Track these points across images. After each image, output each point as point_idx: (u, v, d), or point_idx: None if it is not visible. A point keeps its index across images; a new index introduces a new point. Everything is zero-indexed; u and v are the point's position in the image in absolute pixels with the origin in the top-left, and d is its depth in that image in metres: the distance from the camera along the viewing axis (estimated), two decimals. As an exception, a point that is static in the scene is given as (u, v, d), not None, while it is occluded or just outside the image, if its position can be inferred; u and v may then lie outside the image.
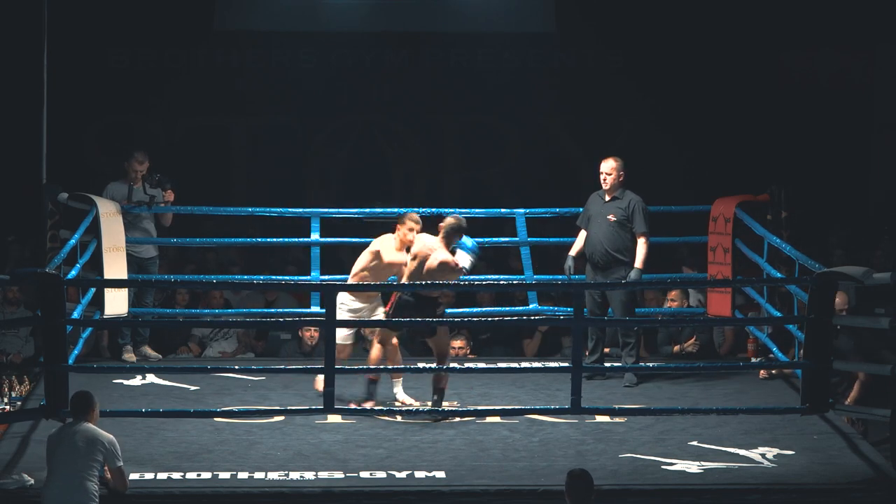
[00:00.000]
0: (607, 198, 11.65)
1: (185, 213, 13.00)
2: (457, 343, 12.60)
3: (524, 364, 12.45)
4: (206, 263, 14.71)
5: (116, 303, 12.03)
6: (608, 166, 11.66)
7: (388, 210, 13.30)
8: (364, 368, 10.61)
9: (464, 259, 10.40)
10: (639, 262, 11.47)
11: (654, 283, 12.20)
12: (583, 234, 11.76)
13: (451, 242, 10.48)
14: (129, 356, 12.25)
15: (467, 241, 10.50)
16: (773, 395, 11.17)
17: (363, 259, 10.89)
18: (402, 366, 10.88)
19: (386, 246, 10.88)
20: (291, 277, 13.57)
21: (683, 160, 16.71)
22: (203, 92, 16.99)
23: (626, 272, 11.44)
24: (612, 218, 11.54)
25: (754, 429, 10.13)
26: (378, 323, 10.80)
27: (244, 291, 13.83)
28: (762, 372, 11.63)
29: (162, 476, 9.07)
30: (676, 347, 12.79)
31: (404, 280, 10.50)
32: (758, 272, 12.14)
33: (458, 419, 10.30)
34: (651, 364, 12.00)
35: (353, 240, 12.75)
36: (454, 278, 10.33)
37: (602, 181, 11.66)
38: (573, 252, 11.79)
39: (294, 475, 9.12)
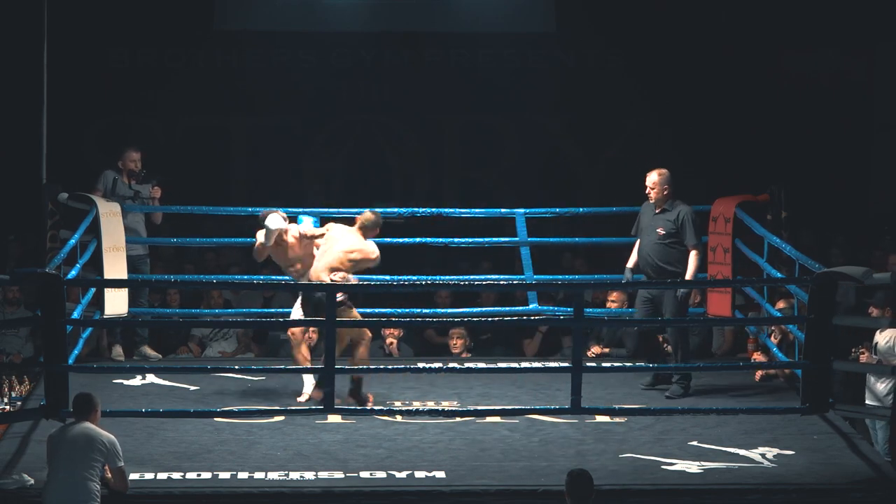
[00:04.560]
0: (656, 210, 11.35)
1: (184, 212, 13.01)
2: (455, 333, 12.59)
3: (524, 364, 12.44)
4: (205, 263, 14.70)
5: (116, 303, 12.04)
6: (650, 181, 11.35)
7: (389, 210, 13.31)
8: (364, 368, 10.60)
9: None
10: (689, 275, 11.17)
11: (654, 282, 12.19)
12: (637, 242, 11.47)
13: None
14: (118, 350, 12.27)
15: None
16: (773, 395, 11.17)
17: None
18: (403, 366, 10.88)
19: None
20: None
21: (684, 160, 16.68)
22: (203, 92, 16.99)
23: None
24: (661, 231, 11.23)
25: (754, 429, 10.14)
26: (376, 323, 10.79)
27: (243, 291, 13.83)
28: (758, 374, 11.62)
29: (162, 476, 9.07)
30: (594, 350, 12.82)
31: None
32: (758, 272, 12.14)
33: (458, 419, 10.30)
34: (651, 364, 11.98)
35: (353, 240, 12.75)
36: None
37: (648, 195, 11.38)
38: (630, 264, 11.44)
39: (294, 475, 9.12)
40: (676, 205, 11.34)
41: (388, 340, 12.75)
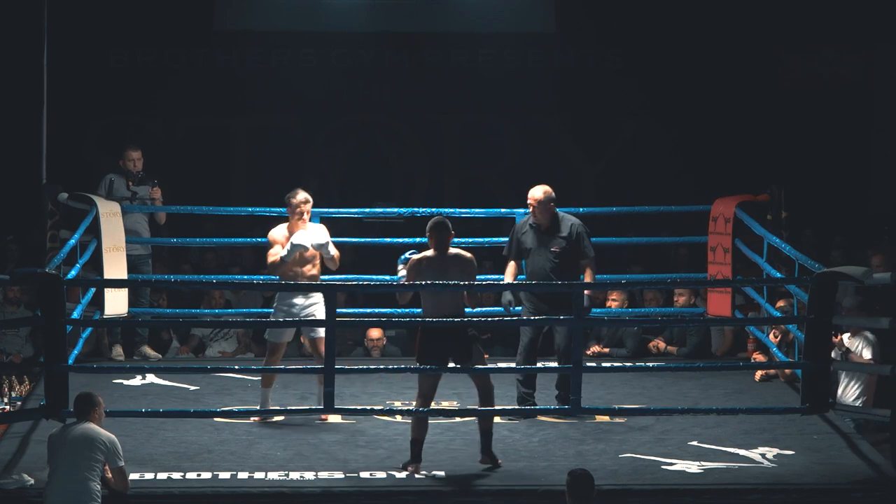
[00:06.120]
0: (543, 228, 10.80)
1: (184, 212, 13.01)
2: None
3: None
4: (205, 263, 14.70)
5: (116, 303, 12.04)
6: (534, 198, 10.79)
7: (388, 210, 13.32)
8: (364, 369, 10.60)
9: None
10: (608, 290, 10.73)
11: (655, 282, 12.20)
12: (512, 265, 10.92)
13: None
14: (118, 350, 12.28)
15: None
16: (773, 395, 11.17)
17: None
18: (402, 366, 10.86)
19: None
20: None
21: (683, 160, 16.71)
22: (203, 92, 16.99)
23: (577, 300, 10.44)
24: (555, 249, 10.73)
25: (754, 429, 10.14)
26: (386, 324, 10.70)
27: (243, 291, 13.83)
28: (758, 374, 11.63)
29: (162, 476, 9.08)
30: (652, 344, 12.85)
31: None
32: (758, 272, 12.14)
33: (458, 419, 10.30)
34: (651, 364, 12.00)
35: (354, 240, 12.77)
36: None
37: (531, 213, 10.85)
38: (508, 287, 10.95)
39: (294, 475, 9.12)
40: (564, 219, 10.86)
41: (373, 345, 12.77)
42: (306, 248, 10.44)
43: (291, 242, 10.42)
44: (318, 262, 10.60)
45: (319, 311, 10.46)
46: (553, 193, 10.84)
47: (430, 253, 9.73)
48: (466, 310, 9.82)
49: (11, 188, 15.50)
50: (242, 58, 17.13)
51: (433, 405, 10.63)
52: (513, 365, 12.15)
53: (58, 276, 9.55)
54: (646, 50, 16.87)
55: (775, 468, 9.35)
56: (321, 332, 10.32)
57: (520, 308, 10.97)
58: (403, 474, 9.18)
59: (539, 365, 11.12)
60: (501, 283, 12.59)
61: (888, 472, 9.28)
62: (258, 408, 10.41)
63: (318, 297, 10.51)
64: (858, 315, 10.94)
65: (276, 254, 10.48)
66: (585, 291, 10.41)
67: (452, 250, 9.74)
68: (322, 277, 12.14)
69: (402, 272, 9.88)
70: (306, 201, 10.58)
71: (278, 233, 10.60)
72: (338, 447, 9.78)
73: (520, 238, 10.88)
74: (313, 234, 10.54)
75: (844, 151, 16.94)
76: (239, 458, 9.49)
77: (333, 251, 10.58)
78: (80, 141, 16.39)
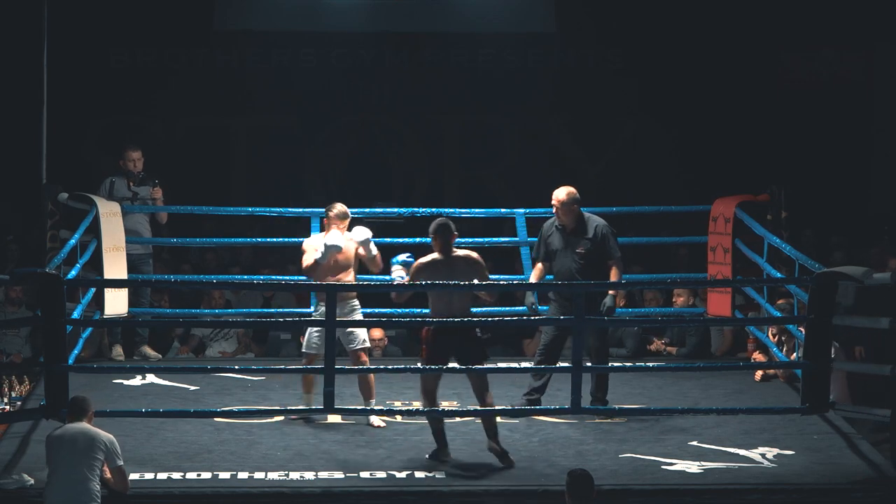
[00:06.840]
0: (568, 230, 10.73)
1: (184, 212, 13.00)
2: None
3: (524, 364, 12.43)
4: (205, 263, 14.70)
5: (117, 303, 12.04)
6: (556, 199, 10.73)
7: (388, 210, 13.31)
8: (364, 368, 10.59)
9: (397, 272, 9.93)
10: (612, 289, 10.64)
11: (655, 282, 12.20)
12: (539, 267, 10.92)
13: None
14: (118, 350, 12.28)
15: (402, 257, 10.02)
16: (773, 395, 11.17)
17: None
18: (402, 366, 10.86)
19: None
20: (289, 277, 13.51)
21: (683, 160, 16.71)
22: (203, 92, 16.99)
23: (601, 300, 10.61)
24: (581, 250, 10.70)
25: (754, 429, 10.14)
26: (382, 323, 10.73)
27: (243, 291, 13.83)
28: (758, 374, 11.62)
29: (162, 476, 9.08)
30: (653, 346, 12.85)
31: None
32: (758, 272, 12.14)
33: (458, 419, 10.30)
34: (651, 364, 12.00)
35: (353, 240, 12.75)
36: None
37: (555, 214, 10.80)
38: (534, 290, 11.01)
39: (294, 475, 9.13)
40: (590, 220, 10.79)
41: (375, 345, 12.78)
42: (339, 249, 10.40)
43: (325, 244, 10.38)
44: (352, 269, 10.55)
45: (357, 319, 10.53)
46: (577, 194, 10.80)
47: (436, 256, 9.70)
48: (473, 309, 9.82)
49: (11, 188, 15.50)
50: (242, 58, 17.14)
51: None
52: (514, 365, 12.20)
53: (58, 276, 9.55)
54: (646, 50, 16.87)
55: (775, 468, 9.35)
56: (358, 343, 10.41)
57: (546, 308, 11.00)
58: (404, 474, 9.18)
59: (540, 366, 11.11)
60: (515, 283, 12.66)
61: (888, 472, 9.28)
62: (262, 408, 10.43)
63: (355, 305, 10.57)
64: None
65: (310, 258, 10.43)
66: (610, 292, 10.51)
67: (459, 252, 9.73)
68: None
69: (397, 273, 9.85)
70: (343, 216, 10.54)
71: (315, 241, 10.57)
72: (338, 447, 9.78)
73: (547, 240, 10.88)
74: (350, 235, 10.51)
75: (844, 151, 16.94)
76: (239, 458, 9.49)
77: (375, 251, 10.55)
78: (80, 141, 16.39)
